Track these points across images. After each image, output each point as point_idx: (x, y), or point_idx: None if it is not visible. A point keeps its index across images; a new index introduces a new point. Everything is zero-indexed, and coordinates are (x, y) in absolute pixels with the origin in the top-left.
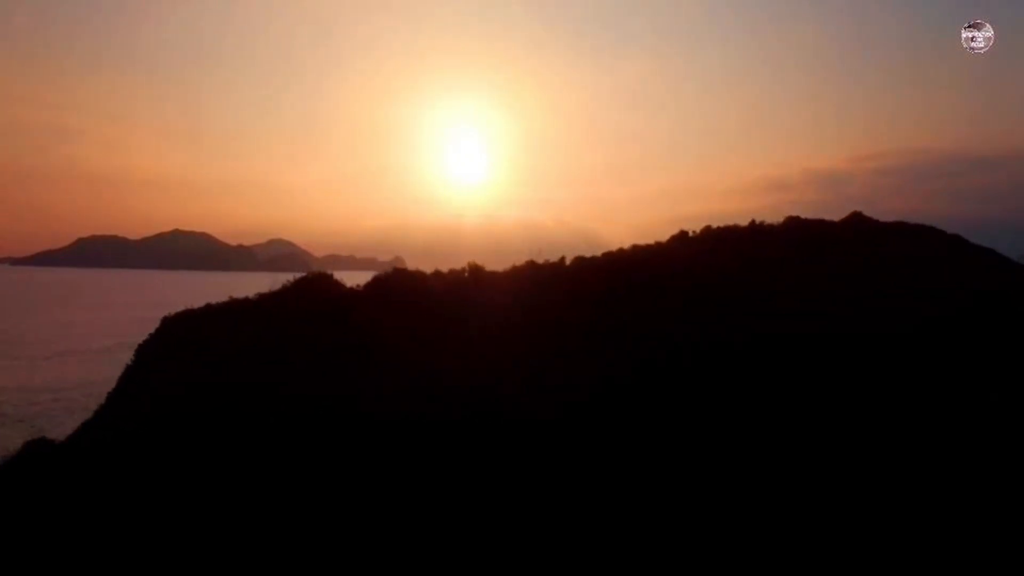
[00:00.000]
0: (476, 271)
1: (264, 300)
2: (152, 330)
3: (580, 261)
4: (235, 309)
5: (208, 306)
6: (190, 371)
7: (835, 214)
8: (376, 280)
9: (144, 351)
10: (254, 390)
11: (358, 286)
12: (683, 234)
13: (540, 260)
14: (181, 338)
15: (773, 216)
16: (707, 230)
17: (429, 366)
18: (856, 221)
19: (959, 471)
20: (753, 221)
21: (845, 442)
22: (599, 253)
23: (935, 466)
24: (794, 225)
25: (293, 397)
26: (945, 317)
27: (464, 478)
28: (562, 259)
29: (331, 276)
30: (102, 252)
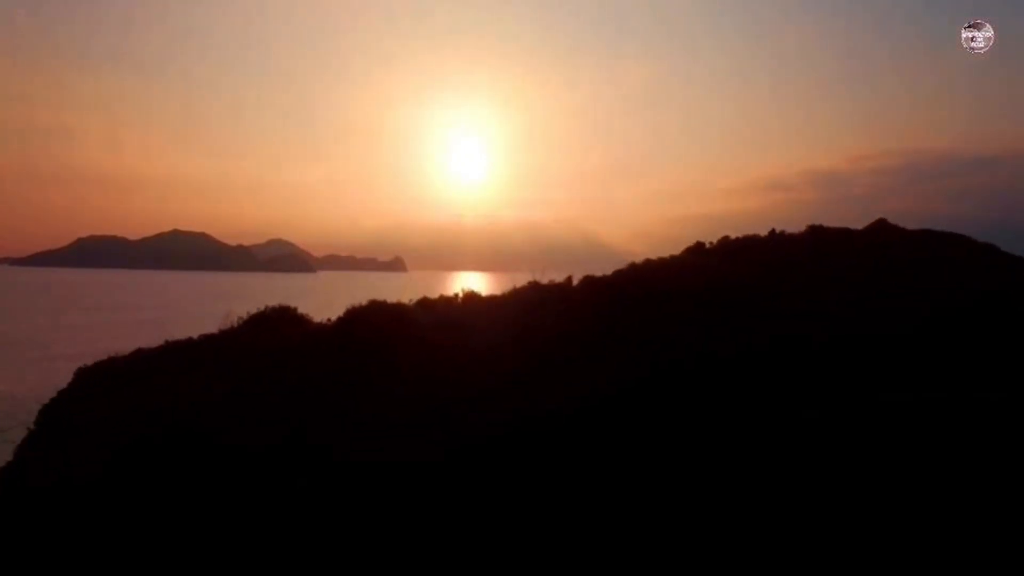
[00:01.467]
0: (470, 297)
1: (212, 340)
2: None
3: (590, 279)
4: (177, 350)
5: (140, 350)
6: (123, 423)
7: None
8: (349, 313)
9: (56, 408)
10: (206, 439)
11: (328, 320)
12: (699, 245)
13: (545, 280)
14: (107, 388)
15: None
16: (725, 240)
17: (413, 400)
18: (880, 229)
19: (958, 472)
20: (773, 230)
21: (843, 442)
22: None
23: (934, 466)
24: (815, 233)
25: (253, 444)
26: (945, 317)
27: (452, 520)
28: (569, 278)
29: (295, 310)
30: (101, 252)
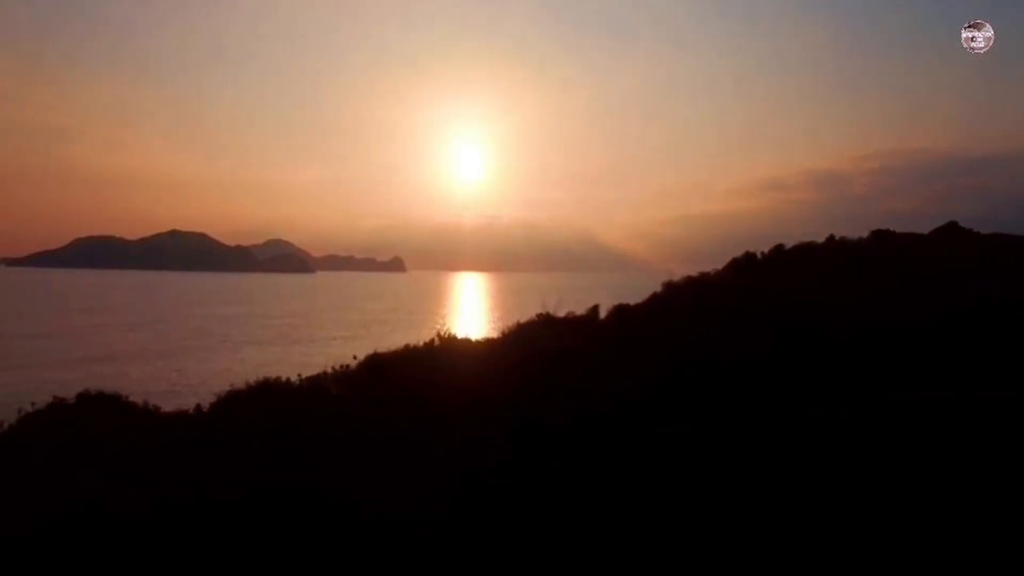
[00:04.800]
0: (449, 341)
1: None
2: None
3: (622, 308)
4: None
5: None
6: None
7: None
8: (229, 399)
9: None
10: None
11: (200, 407)
12: (750, 256)
13: (561, 314)
14: None
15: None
16: (777, 249)
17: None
18: (950, 231)
19: (968, 473)
20: (832, 236)
21: (850, 442)
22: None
23: (943, 467)
24: (881, 239)
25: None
26: (963, 317)
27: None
28: (595, 307)
29: (120, 398)
30: (99, 253)
